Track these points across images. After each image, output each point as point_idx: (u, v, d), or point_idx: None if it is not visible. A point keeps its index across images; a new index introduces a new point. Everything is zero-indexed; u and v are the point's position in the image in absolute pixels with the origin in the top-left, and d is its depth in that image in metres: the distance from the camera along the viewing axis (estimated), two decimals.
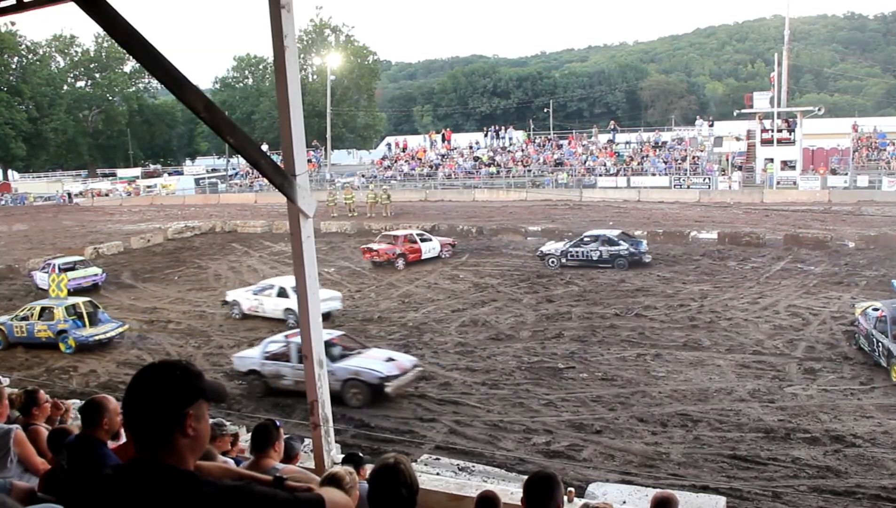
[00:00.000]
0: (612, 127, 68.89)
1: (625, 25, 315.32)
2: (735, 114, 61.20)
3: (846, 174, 53.05)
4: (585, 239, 32.51)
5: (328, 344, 19.19)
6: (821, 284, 28.15)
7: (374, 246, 34.04)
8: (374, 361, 18.83)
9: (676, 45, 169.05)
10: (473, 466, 12.85)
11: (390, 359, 19.05)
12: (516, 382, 19.15)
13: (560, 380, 19.21)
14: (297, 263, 7.03)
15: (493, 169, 62.54)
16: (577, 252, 32.13)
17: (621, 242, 32.01)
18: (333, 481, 4.24)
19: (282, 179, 6.69)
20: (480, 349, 21.93)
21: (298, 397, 17.77)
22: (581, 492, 11.56)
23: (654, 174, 56.48)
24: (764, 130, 55.90)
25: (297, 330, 20.61)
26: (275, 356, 19.56)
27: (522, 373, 19.78)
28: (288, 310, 25.32)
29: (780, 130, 55.31)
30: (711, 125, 66.99)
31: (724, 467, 14.24)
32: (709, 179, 54.64)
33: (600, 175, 57.80)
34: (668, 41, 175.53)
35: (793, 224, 38.96)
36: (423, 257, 34.24)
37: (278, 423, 6.09)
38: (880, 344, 19.31)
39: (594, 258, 31.79)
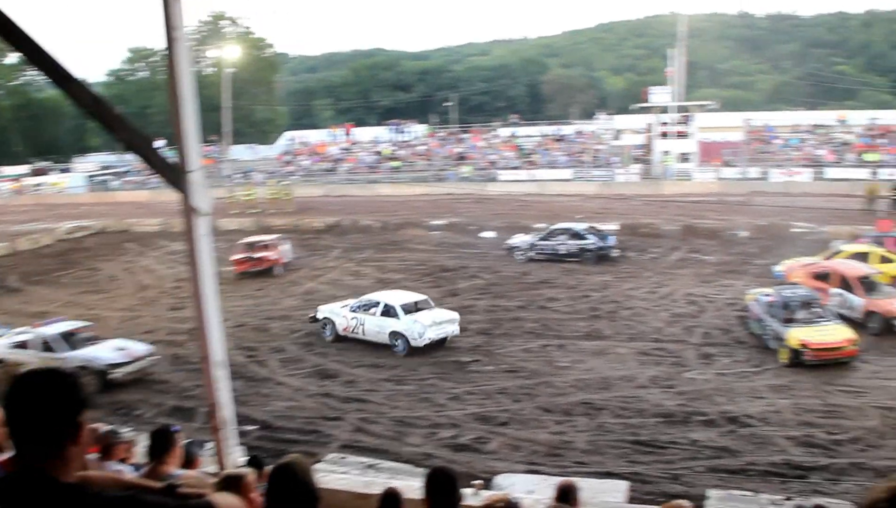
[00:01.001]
0: (514, 121, 69.37)
1: (526, 20, 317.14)
2: (633, 108, 62.27)
3: (738, 166, 54.59)
4: (554, 232, 32.25)
5: (69, 334, 20.11)
6: (715, 272, 28.95)
7: (256, 255, 31.81)
8: (103, 350, 19.84)
9: (577, 39, 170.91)
10: (380, 463, 12.79)
11: (121, 348, 19.92)
12: (421, 377, 19.17)
13: (465, 374, 19.31)
14: (192, 262, 6.85)
15: (395, 163, 62.41)
16: (544, 246, 31.88)
17: (589, 236, 31.71)
18: (230, 484, 4.13)
19: (174, 176, 6.51)
20: (385, 345, 21.83)
21: (201, 400, 17.44)
22: (488, 484, 11.62)
23: (555, 167, 57.08)
24: (661, 124, 57.09)
25: (46, 321, 21.19)
26: (20, 345, 20.09)
27: (428, 368, 19.82)
28: (395, 334, 21.41)
29: (676, 124, 56.57)
30: (611, 119, 68.03)
31: (627, 452, 14.54)
32: (609, 171, 55.50)
33: (503, 169, 58.16)
34: (570, 36, 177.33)
35: (689, 215, 39.81)
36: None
37: (176, 428, 5.92)
38: (770, 328, 20.12)
39: (562, 252, 31.48)
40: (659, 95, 57.84)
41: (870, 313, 21.82)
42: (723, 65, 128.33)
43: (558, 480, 7.34)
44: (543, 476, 12.07)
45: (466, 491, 8.60)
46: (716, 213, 40.78)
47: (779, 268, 26.56)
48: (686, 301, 25.25)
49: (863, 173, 49.78)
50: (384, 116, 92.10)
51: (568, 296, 26.27)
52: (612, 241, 31.94)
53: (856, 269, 23.68)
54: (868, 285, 22.76)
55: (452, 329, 21.81)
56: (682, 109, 57.90)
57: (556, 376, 18.76)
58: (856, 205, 39.46)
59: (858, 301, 22.09)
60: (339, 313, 22.71)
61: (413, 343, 21.02)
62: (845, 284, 22.76)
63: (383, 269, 31.42)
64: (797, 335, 19.15)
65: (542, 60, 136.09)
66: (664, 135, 56.92)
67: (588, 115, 77.21)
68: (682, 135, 56.49)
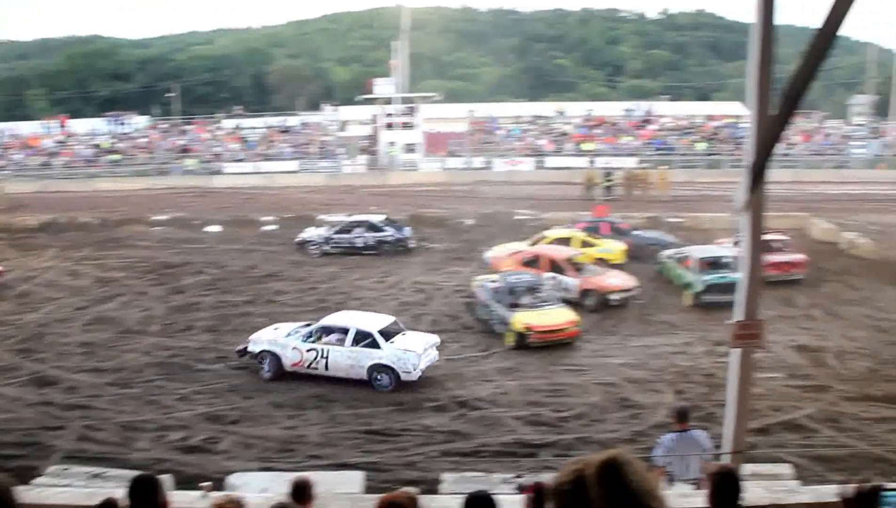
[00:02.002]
0: (239, 112, 68.24)
1: (251, 9, 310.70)
2: (359, 99, 62.78)
3: (463, 156, 56.55)
4: (349, 225, 31.42)
5: None
6: (443, 260, 29.84)
7: None
8: None
9: (303, 29, 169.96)
10: (107, 472, 12.21)
11: None
12: (148, 379, 18.40)
13: (194, 373, 18.78)
14: None
15: (115, 157, 59.51)
16: (340, 239, 30.94)
17: (386, 227, 31.19)
18: None
19: None
20: (108, 347, 20.79)
21: None
22: (221, 485, 11.44)
23: (281, 159, 56.69)
24: (387, 115, 57.94)
25: None
26: None
27: (154, 369, 19.05)
28: (378, 367, 17.68)
29: (401, 115, 57.63)
30: (337, 110, 68.36)
31: (361, 443, 14.75)
32: (336, 163, 55.78)
33: (229, 161, 57.01)
34: (296, 26, 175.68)
35: (416, 204, 40.72)
36: None
37: None
38: (496, 313, 21.08)
39: (359, 245, 30.66)
40: (383, 87, 58.58)
41: (585, 292, 23.40)
42: (447, 57, 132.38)
43: (292, 476, 7.34)
44: (277, 473, 12.00)
45: (194, 494, 8.45)
46: (442, 202, 42.03)
47: (488, 254, 27.88)
48: (414, 289, 25.86)
49: (581, 162, 53.24)
50: (102, 106, 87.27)
51: (296, 289, 26.17)
52: (407, 232, 31.74)
53: (562, 252, 25.33)
54: (576, 266, 24.42)
55: (434, 355, 18.60)
56: (407, 100, 59.05)
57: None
58: (575, 192, 42.11)
59: (572, 282, 23.58)
60: (286, 345, 18.47)
61: (405, 377, 17.54)
62: (556, 267, 24.17)
63: (103, 267, 29.80)
64: (522, 319, 20.20)
65: (267, 51, 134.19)
66: (390, 126, 57.83)
67: (314, 106, 77.05)
68: (407, 126, 57.63)
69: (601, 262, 26.42)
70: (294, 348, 18.33)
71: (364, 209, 38.23)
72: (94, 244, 33.69)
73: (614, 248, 28.03)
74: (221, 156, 57.89)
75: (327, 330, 18.56)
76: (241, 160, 57.01)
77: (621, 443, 14.61)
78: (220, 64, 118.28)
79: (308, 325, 19.39)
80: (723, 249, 26.13)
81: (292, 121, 65.38)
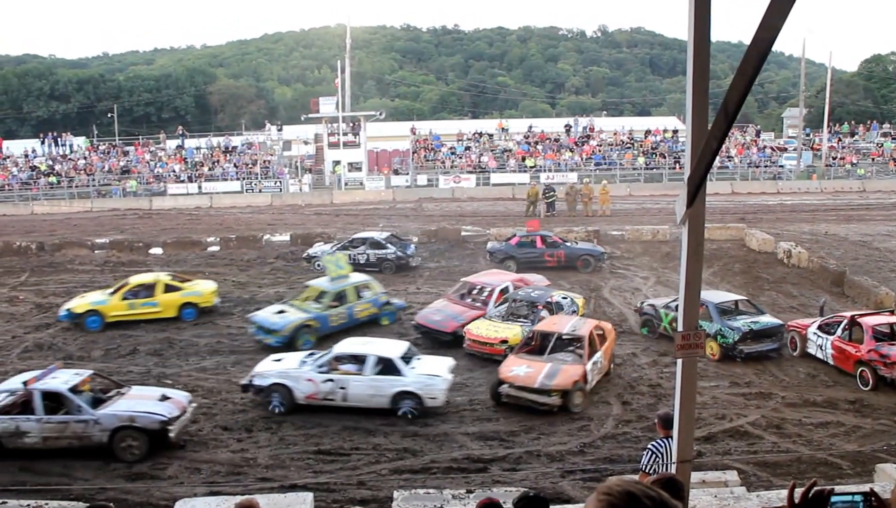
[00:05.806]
0: (181, 132, 67.56)
1: (191, 28, 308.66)
2: (303, 118, 62.68)
3: (407, 174, 56.67)
4: (353, 242, 31.17)
5: (75, 389, 15.36)
6: (390, 276, 29.59)
7: None
8: (146, 402, 15.65)
9: (244, 49, 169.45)
10: (47, 504, 11.87)
11: (165, 397, 16.00)
12: None
13: None
14: None
15: (53, 179, 58.48)
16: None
17: (389, 245, 30.94)
18: None
19: None
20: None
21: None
22: None
23: (225, 179, 56.22)
24: (331, 134, 57.85)
25: (42, 371, 15.95)
26: (6, 410, 15.12)
27: None
28: (402, 396, 16.78)
29: (345, 134, 57.59)
30: (280, 129, 68.13)
31: (311, 463, 14.63)
32: (280, 182, 55.50)
33: (171, 182, 56.35)
34: (237, 46, 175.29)
35: (361, 223, 40.64)
36: None
37: None
38: None
39: (361, 262, 30.03)
40: (327, 106, 58.54)
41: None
42: (390, 76, 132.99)
43: (238, 500, 7.16)
44: (226, 497, 11.79)
45: None
46: (387, 220, 42.00)
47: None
48: None
49: (524, 178, 53.86)
50: (39, 127, 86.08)
51: (242, 310, 25.71)
52: (411, 250, 31.59)
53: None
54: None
55: (451, 378, 17.67)
56: (350, 119, 59.07)
57: (233, 392, 18.33)
58: (519, 208, 42.46)
59: None
60: (298, 376, 17.25)
61: (429, 404, 16.69)
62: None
63: (42, 293, 28.92)
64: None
65: (208, 70, 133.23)
66: (334, 145, 57.76)
67: (258, 125, 76.78)
68: (351, 144, 57.59)
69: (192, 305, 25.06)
70: (308, 379, 17.14)
71: (308, 229, 38.15)
72: (33, 269, 32.82)
73: (204, 290, 25.87)
74: (163, 177, 57.17)
75: (340, 359, 17.60)
76: (183, 181, 56.37)
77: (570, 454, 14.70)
78: (160, 84, 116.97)
79: (312, 353, 18.64)
80: (727, 293, 23.55)
81: (235, 141, 64.95)
